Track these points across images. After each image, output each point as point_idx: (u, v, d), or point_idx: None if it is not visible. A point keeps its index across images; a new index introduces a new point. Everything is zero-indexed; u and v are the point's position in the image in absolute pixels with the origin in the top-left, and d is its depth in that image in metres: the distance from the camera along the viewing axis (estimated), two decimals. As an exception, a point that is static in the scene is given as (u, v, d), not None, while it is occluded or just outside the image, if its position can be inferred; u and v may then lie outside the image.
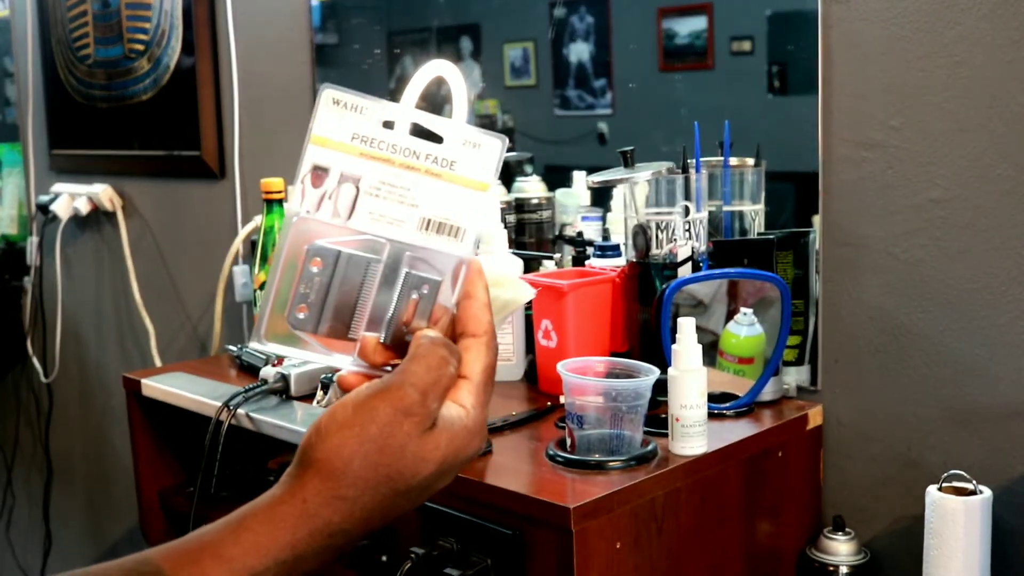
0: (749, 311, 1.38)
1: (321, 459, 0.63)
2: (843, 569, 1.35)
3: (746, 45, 1.62)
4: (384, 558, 1.35)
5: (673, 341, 1.22)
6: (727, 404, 1.36)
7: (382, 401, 0.63)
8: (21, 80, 2.99)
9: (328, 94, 0.69)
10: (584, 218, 1.70)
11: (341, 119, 0.69)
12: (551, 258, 1.66)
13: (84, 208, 2.72)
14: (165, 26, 2.43)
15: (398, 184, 0.71)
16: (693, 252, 1.41)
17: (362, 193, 0.70)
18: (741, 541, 1.32)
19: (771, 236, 1.40)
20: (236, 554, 0.63)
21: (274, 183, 1.75)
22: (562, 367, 1.21)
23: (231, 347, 1.76)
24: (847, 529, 1.37)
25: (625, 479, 1.15)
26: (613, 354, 1.44)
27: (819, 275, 1.43)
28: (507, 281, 1.22)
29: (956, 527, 1.21)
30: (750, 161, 1.47)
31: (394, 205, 0.70)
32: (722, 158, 1.46)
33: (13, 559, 3.28)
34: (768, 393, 1.40)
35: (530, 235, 1.71)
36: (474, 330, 0.70)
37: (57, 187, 2.82)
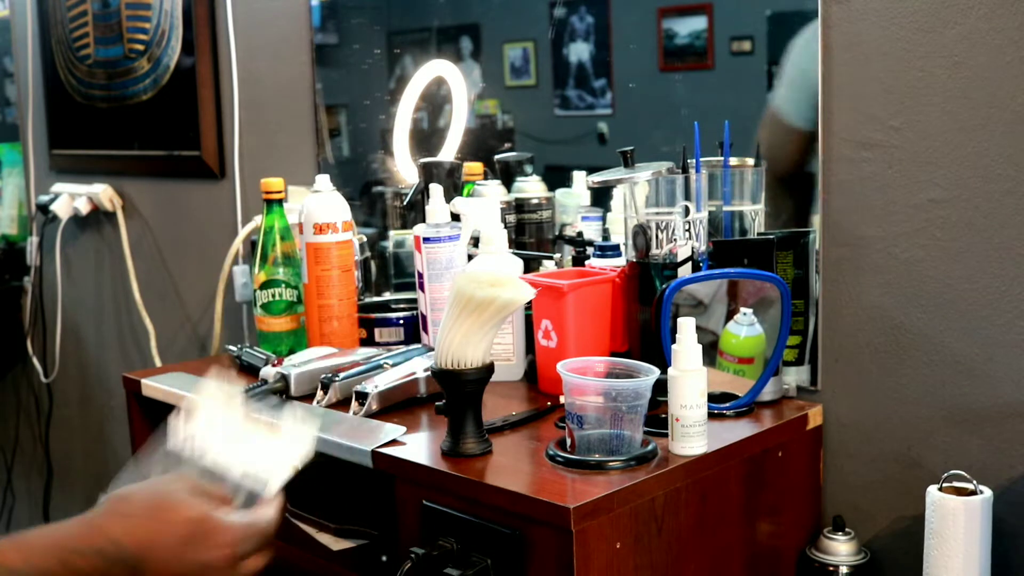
0: (749, 311, 1.38)
1: (112, 496, 0.89)
2: (843, 569, 1.35)
3: (746, 45, 1.62)
4: (384, 558, 1.35)
5: (673, 341, 1.22)
6: (727, 404, 1.36)
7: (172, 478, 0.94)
8: (21, 80, 2.99)
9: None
10: (584, 218, 1.70)
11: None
12: (551, 258, 1.66)
13: (84, 208, 2.72)
14: (165, 26, 2.44)
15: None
16: (693, 252, 1.41)
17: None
18: (741, 541, 1.32)
19: (771, 236, 1.41)
20: (35, 545, 0.85)
21: (274, 183, 1.75)
22: (562, 367, 1.21)
23: (231, 347, 1.76)
24: (847, 529, 1.37)
25: (625, 479, 1.15)
26: (613, 354, 1.44)
27: (819, 275, 1.43)
28: (506, 281, 1.22)
29: (956, 527, 1.21)
30: (750, 161, 1.47)
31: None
32: (722, 158, 1.46)
33: (13, 559, 3.28)
34: (768, 393, 1.40)
35: (530, 235, 1.71)
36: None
37: (57, 187, 2.82)
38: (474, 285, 1.18)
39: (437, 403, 1.24)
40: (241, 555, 0.91)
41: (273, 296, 1.75)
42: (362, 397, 1.40)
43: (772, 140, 1.57)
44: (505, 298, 1.18)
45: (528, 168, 1.77)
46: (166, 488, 0.88)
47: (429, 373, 1.42)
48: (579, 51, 1.78)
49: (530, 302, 1.50)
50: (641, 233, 1.41)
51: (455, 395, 1.21)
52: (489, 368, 1.21)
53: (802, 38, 1.51)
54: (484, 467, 1.21)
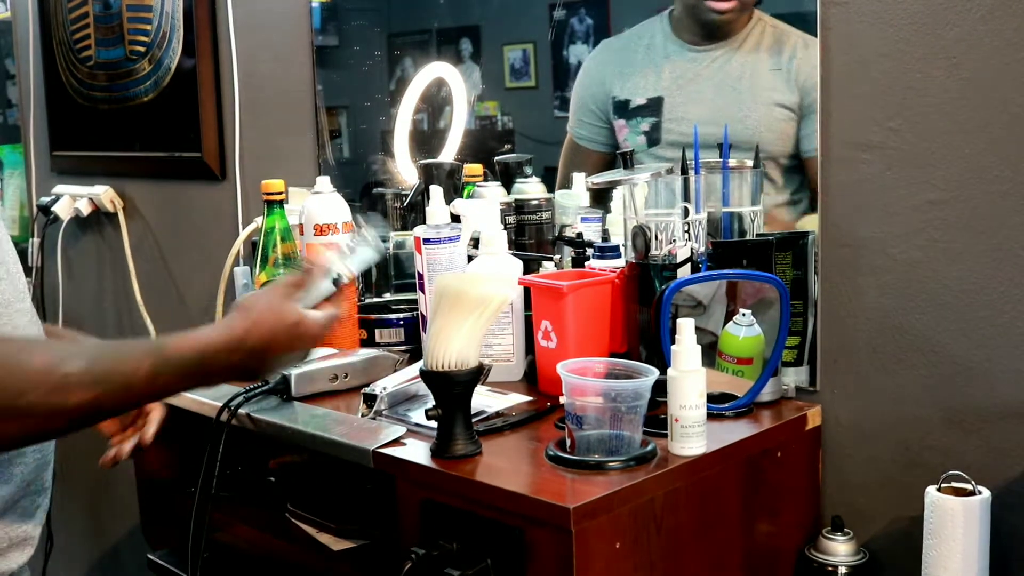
0: (748, 312, 1.38)
1: (241, 304, 1.14)
2: (842, 569, 1.35)
3: (745, 47, 1.62)
4: (384, 558, 1.35)
5: (672, 342, 1.23)
6: (726, 405, 1.37)
7: (271, 288, 1.17)
8: (22, 82, 3.00)
9: None
10: (584, 219, 1.70)
11: None
12: (551, 259, 1.66)
13: (85, 209, 2.73)
14: (166, 28, 2.44)
15: None
16: (692, 253, 1.42)
17: None
18: (740, 541, 1.32)
19: (770, 237, 1.41)
20: (196, 337, 1.08)
21: (275, 184, 1.75)
22: (562, 368, 1.22)
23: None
24: (846, 529, 1.37)
25: (625, 479, 1.15)
26: (613, 355, 1.45)
27: (818, 276, 1.44)
28: (488, 281, 1.24)
29: (955, 527, 1.22)
30: (749, 162, 1.47)
31: None
32: (721, 159, 1.47)
33: (14, 560, 3.28)
34: (767, 394, 1.40)
35: (530, 236, 1.72)
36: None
37: (58, 188, 2.82)
38: (456, 286, 1.19)
39: (427, 408, 1.24)
40: (324, 336, 1.18)
41: (274, 297, 1.75)
42: (370, 399, 1.41)
43: (572, 164, 1.70)
44: (486, 297, 1.19)
45: (528, 169, 1.77)
46: (269, 296, 1.14)
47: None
48: (579, 53, 1.78)
49: (530, 303, 1.51)
50: (640, 234, 1.42)
51: (444, 397, 1.22)
52: (478, 370, 1.21)
53: (586, 60, 1.67)
54: (484, 468, 1.21)
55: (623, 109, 1.65)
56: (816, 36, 1.40)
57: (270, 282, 1.22)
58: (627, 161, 1.47)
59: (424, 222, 1.63)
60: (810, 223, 1.44)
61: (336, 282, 1.22)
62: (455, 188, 1.82)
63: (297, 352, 1.16)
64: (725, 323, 1.40)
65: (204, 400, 1.52)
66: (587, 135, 1.67)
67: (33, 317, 1.29)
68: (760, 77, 1.50)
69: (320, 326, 1.16)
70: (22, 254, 3.06)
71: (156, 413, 1.40)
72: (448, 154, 1.97)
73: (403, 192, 1.98)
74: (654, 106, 1.61)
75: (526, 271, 1.59)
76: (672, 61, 1.59)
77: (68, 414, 1.00)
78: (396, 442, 1.30)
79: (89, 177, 2.77)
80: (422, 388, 1.42)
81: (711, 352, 1.39)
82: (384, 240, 1.24)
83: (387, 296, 1.88)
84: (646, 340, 1.40)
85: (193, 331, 1.10)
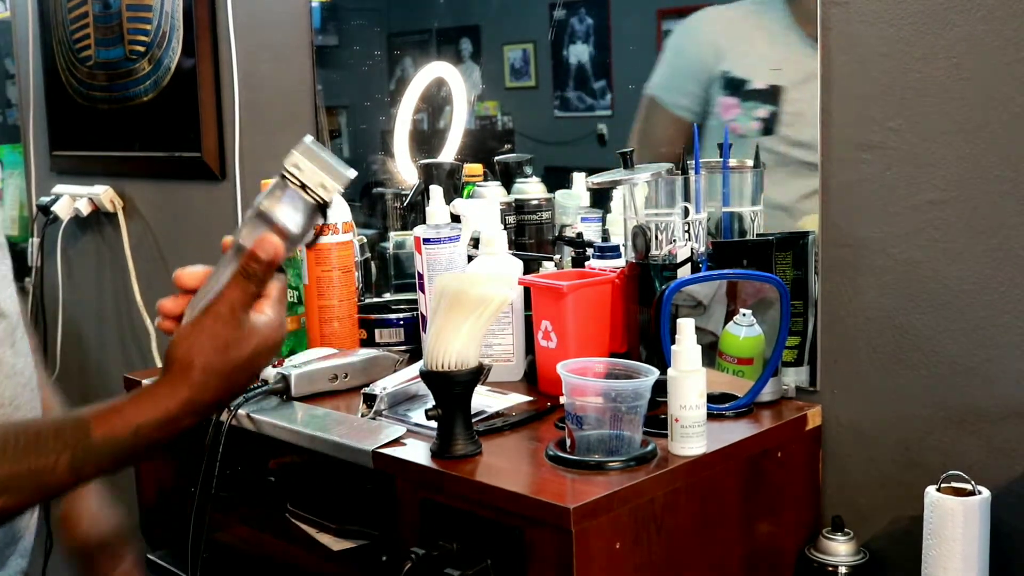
0: (748, 312, 1.38)
1: (178, 358, 0.96)
2: (842, 569, 1.35)
3: (745, 47, 1.62)
4: (384, 558, 1.35)
5: (672, 342, 1.23)
6: (726, 405, 1.37)
7: (207, 317, 0.97)
8: (22, 81, 3.00)
9: None
10: (584, 219, 1.70)
11: None
12: (551, 259, 1.66)
13: (85, 209, 2.73)
14: (166, 27, 2.44)
15: None
16: (692, 253, 1.42)
17: None
18: (740, 541, 1.32)
19: (770, 237, 1.41)
20: (130, 411, 0.95)
21: (275, 184, 1.75)
22: (562, 368, 1.22)
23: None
24: (846, 529, 1.37)
25: (625, 479, 1.15)
26: (613, 355, 1.44)
27: (818, 276, 1.44)
28: (488, 281, 1.23)
29: (955, 527, 1.22)
30: (749, 162, 1.47)
31: None
32: (721, 159, 1.47)
33: (14, 560, 3.28)
34: (767, 394, 1.40)
35: (530, 236, 1.72)
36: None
37: (58, 188, 2.82)
38: (456, 286, 1.18)
39: (427, 408, 1.24)
40: (284, 333, 1.02)
41: (274, 297, 1.75)
42: (370, 399, 1.41)
43: (650, 128, 1.56)
44: (486, 297, 1.19)
45: (528, 169, 1.77)
46: (211, 340, 0.96)
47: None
48: (579, 53, 1.78)
49: (529, 303, 1.51)
50: (641, 234, 1.42)
51: (444, 397, 1.22)
52: (478, 370, 1.21)
53: (688, 20, 1.52)
54: (484, 468, 1.21)
55: (735, 88, 1.55)
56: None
57: (208, 306, 0.97)
58: (627, 161, 1.47)
59: (424, 222, 1.63)
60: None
61: (282, 268, 0.99)
62: (455, 188, 1.82)
63: (261, 368, 1.01)
64: (725, 323, 1.40)
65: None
66: (676, 101, 1.57)
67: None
68: None
69: (276, 327, 0.99)
70: (22, 254, 3.06)
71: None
72: (448, 154, 1.97)
73: (403, 192, 1.98)
74: (772, 95, 1.51)
75: (526, 271, 1.59)
76: (793, 52, 1.47)
77: None
78: (396, 442, 1.30)
79: (89, 177, 2.77)
80: (422, 388, 1.41)
81: (711, 352, 1.39)
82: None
83: (387, 296, 1.88)
84: (646, 340, 1.40)
85: (122, 401, 0.96)
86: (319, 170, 0.96)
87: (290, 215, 0.97)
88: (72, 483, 0.96)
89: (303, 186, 0.96)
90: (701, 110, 1.57)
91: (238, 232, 0.99)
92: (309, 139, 0.97)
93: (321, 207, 0.97)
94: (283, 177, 0.97)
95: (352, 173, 0.98)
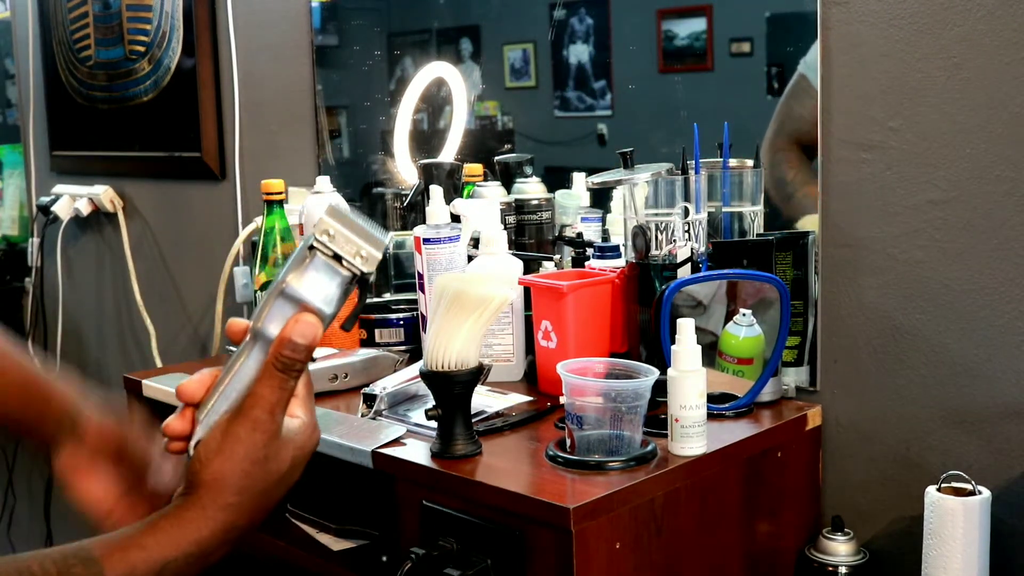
0: (748, 312, 1.38)
1: (208, 480, 0.80)
2: (842, 569, 1.35)
3: (745, 47, 1.62)
4: (384, 558, 1.35)
5: (672, 342, 1.23)
6: (726, 405, 1.37)
7: (240, 426, 0.81)
8: (22, 81, 3.00)
9: None
10: (584, 219, 1.70)
11: None
12: (551, 259, 1.66)
13: (85, 209, 2.73)
14: (166, 27, 2.44)
15: None
16: (692, 253, 1.42)
17: None
18: (740, 541, 1.32)
19: (770, 237, 1.41)
20: (152, 545, 0.79)
21: (274, 184, 1.75)
22: (562, 368, 1.22)
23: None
24: (846, 529, 1.37)
25: (625, 479, 1.15)
26: (613, 355, 1.44)
27: (818, 276, 1.44)
28: (488, 281, 1.23)
29: (955, 527, 1.22)
30: (749, 162, 1.47)
31: None
32: (721, 159, 1.47)
33: (14, 560, 3.28)
34: (767, 394, 1.40)
35: (530, 236, 1.71)
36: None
37: (58, 188, 2.82)
38: (456, 286, 1.18)
39: (427, 408, 1.24)
40: (319, 433, 0.87)
41: (274, 297, 1.75)
42: (370, 399, 1.41)
43: (797, 106, 1.50)
44: (486, 297, 1.19)
45: (528, 169, 1.77)
46: (246, 453, 0.81)
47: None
48: (579, 53, 1.78)
49: (529, 303, 1.51)
50: (641, 234, 1.42)
51: (444, 397, 1.22)
52: (478, 370, 1.21)
53: None
54: (484, 468, 1.21)
55: None
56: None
57: (239, 410, 0.82)
58: (627, 161, 1.47)
59: (424, 222, 1.63)
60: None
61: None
62: (455, 188, 1.82)
63: (294, 482, 0.87)
64: (725, 323, 1.40)
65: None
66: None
67: None
68: None
69: (311, 431, 0.85)
70: (22, 254, 3.06)
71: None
72: (448, 154, 1.97)
73: (403, 192, 1.98)
74: None
75: (526, 271, 1.59)
76: None
77: None
78: (396, 442, 1.30)
79: (89, 177, 2.77)
80: (422, 388, 1.42)
81: (711, 352, 1.39)
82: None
83: (387, 296, 1.88)
84: (646, 340, 1.40)
85: (139, 532, 0.79)
86: (355, 236, 0.80)
87: (323, 292, 0.81)
88: None
89: (337, 257, 0.81)
90: None
91: (256, 315, 0.84)
92: (337, 202, 0.86)
93: (359, 279, 0.82)
94: (311, 248, 0.81)
95: (388, 237, 0.86)
